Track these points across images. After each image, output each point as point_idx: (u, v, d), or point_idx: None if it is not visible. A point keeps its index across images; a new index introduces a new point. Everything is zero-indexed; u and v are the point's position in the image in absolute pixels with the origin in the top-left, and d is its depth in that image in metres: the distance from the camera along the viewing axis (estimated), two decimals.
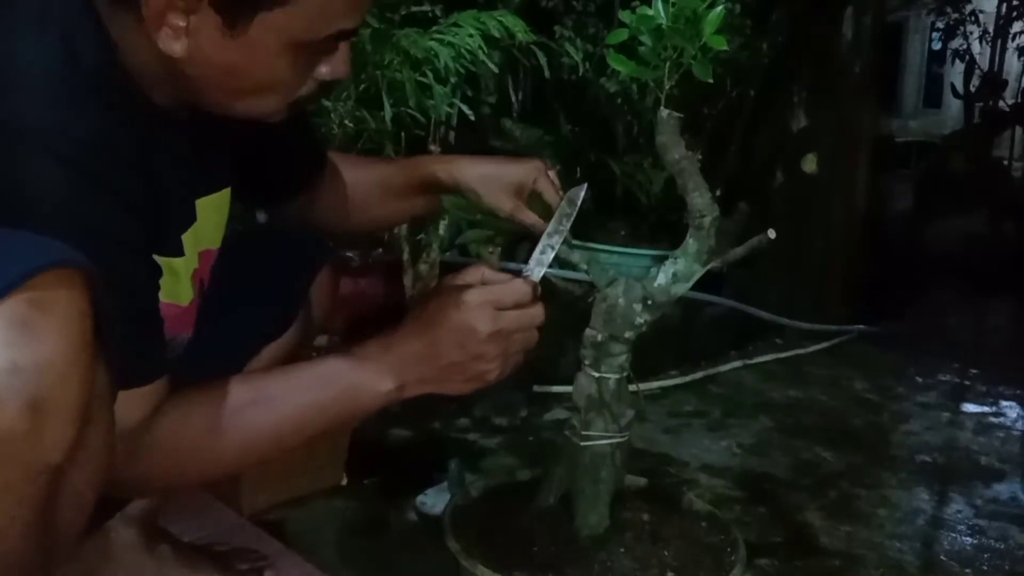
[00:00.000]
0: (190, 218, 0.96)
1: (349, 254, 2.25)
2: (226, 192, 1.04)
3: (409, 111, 2.03)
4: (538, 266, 1.00)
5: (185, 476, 0.94)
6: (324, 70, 0.88)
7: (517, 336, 0.92)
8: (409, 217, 1.24)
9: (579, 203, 1.11)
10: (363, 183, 1.22)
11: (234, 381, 0.91)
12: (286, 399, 0.90)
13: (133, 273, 0.82)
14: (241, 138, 1.04)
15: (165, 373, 0.87)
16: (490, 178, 1.15)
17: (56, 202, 0.75)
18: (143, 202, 0.82)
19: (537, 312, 0.94)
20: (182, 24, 0.78)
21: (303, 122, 1.20)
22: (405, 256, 2.43)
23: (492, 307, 0.90)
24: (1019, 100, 6.74)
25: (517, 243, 2.31)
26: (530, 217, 1.15)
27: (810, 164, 3.15)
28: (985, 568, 1.54)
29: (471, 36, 2.04)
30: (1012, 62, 6.96)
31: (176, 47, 0.80)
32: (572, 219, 1.10)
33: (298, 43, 0.82)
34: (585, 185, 1.14)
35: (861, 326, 3.08)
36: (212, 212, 1.01)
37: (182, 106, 0.90)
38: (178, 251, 0.94)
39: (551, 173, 1.19)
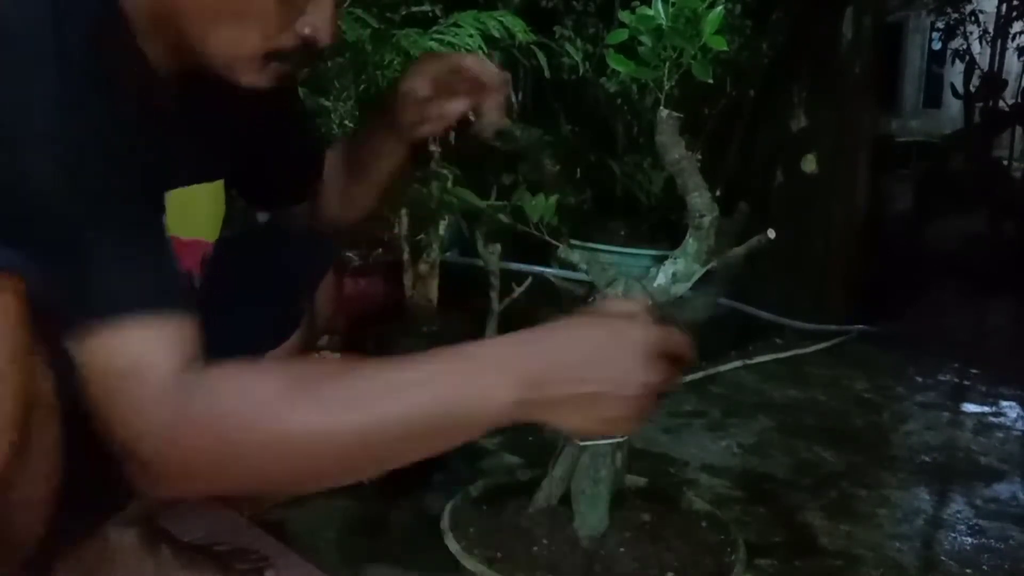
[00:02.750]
0: (167, 182, 0.93)
1: (349, 254, 2.25)
2: (220, 184, 1.03)
3: None
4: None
5: (241, 466, 0.71)
6: (307, 28, 0.85)
7: (657, 398, 0.77)
8: (394, 173, 1.18)
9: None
10: (340, 160, 1.19)
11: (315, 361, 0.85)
12: (392, 395, 0.71)
13: (122, 183, 0.75)
14: (244, 132, 1.03)
15: (188, 309, 0.73)
16: (421, 67, 1.08)
17: (49, 104, 0.72)
18: (133, 131, 0.79)
19: (679, 380, 0.79)
20: None
21: (307, 124, 1.19)
22: (405, 256, 2.43)
23: (658, 353, 0.76)
24: (1019, 100, 6.72)
25: (519, 242, 2.31)
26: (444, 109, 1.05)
27: (810, 164, 3.15)
28: (985, 568, 1.54)
29: (471, 36, 2.04)
30: (1012, 62, 6.94)
31: None
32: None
33: None
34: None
35: (861, 326, 3.08)
36: (207, 201, 1.00)
37: (175, 70, 0.88)
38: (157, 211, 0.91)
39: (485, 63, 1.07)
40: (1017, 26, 6.66)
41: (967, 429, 2.23)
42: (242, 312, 1.07)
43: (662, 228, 3.07)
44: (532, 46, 2.38)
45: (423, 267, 2.47)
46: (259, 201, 1.24)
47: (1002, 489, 1.87)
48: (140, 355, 0.67)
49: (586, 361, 0.73)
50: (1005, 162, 6.59)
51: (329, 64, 2.00)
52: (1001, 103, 6.45)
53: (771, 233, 1.23)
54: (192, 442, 0.67)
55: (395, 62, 1.97)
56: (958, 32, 6.87)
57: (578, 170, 3.23)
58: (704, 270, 1.23)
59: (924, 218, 5.46)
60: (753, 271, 3.01)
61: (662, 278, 1.23)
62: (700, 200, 1.19)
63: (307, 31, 0.85)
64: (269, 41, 0.85)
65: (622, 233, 3.02)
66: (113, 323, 0.68)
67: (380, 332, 2.36)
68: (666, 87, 1.15)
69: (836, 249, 3.22)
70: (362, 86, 2.03)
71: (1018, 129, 6.59)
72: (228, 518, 1.47)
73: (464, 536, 1.29)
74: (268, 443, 0.69)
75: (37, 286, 0.68)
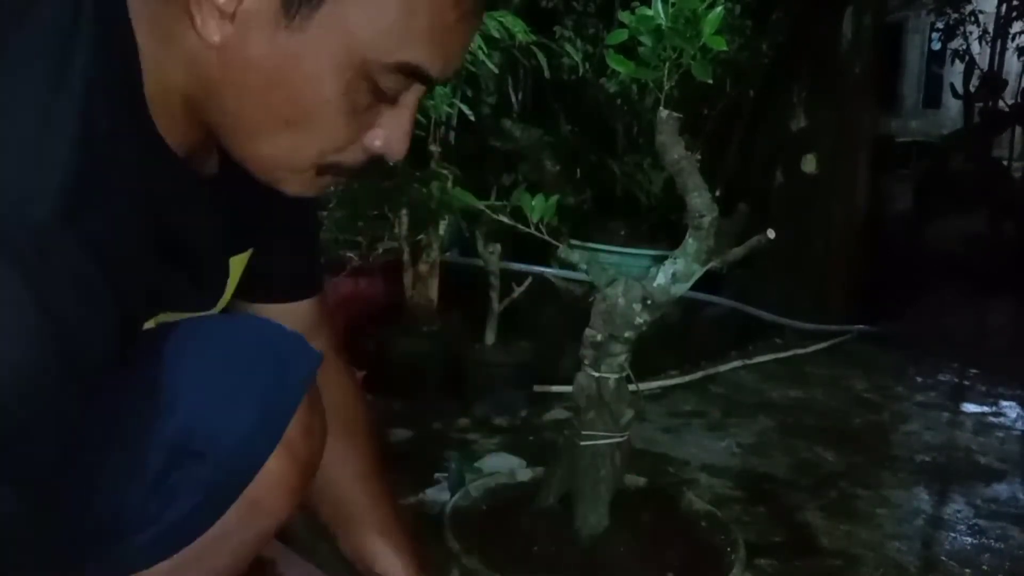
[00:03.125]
0: (223, 274, 0.84)
1: (349, 254, 2.25)
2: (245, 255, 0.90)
3: None
4: None
5: None
6: (378, 142, 0.72)
7: None
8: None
9: None
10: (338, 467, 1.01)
11: None
12: None
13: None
14: (253, 223, 0.88)
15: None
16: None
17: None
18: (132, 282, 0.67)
19: None
20: (230, 4, 0.65)
21: (312, 228, 1.02)
22: (405, 256, 2.43)
23: None
24: (1019, 100, 6.72)
25: (519, 242, 2.31)
26: None
27: (810, 164, 3.16)
28: (985, 568, 1.54)
29: None
30: (1012, 62, 6.94)
31: (216, 31, 0.65)
32: None
33: (361, 61, 0.67)
34: None
35: (861, 326, 3.08)
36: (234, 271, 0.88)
37: (202, 158, 0.77)
38: (209, 304, 0.82)
39: None
40: (1017, 26, 6.66)
41: (967, 429, 2.23)
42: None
43: (662, 228, 3.08)
44: (532, 46, 2.38)
45: (423, 267, 2.47)
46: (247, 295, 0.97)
47: (1002, 489, 1.87)
48: None
49: None
50: (1005, 162, 6.59)
51: None
52: (1001, 103, 6.45)
53: (771, 233, 1.23)
54: None
55: None
56: (958, 32, 6.86)
57: (578, 170, 3.24)
58: (704, 270, 1.23)
59: (924, 218, 5.46)
60: (753, 271, 3.01)
61: (662, 278, 1.23)
62: (700, 200, 1.19)
63: (377, 145, 0.72)
64: (328, 155, 0.71)
65: (622, 233, 3.02)
66: None
67: (380, 332, 2.36)
68: (666, 87, 1.15)
69: (836, 249, 3.23)
70: None
71: (1018, 129, 6.59)
72: None
73: (464, 536, 1.29)
74: None
75: None
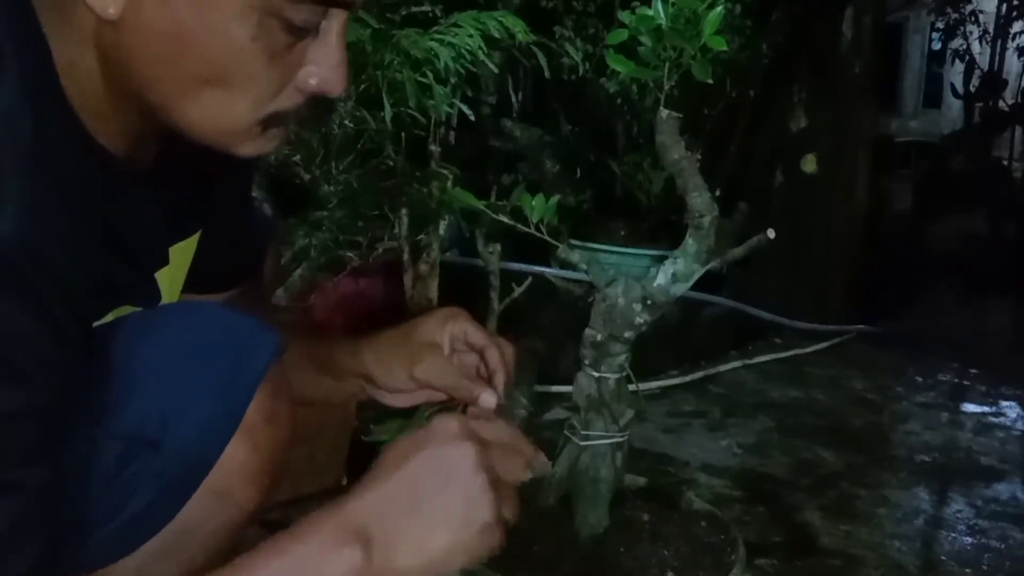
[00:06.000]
0: (163, 262, 0.82)
1: (349, 254, 2.24)
2: (195, 238, 0.87)
3: (409, 111, 2.02)
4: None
5: None
6: (312, 80, 0.68)
7: (507, 480, 0.74)
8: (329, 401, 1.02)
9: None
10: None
11: None
12: None
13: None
14: (201, 199, 0.86)
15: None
16: (384, 356, 0.96)
17: None
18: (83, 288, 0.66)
19: (519, 462, 0.77)
20: None
21: (252, 205, 1.00)
22: (405, 256, 2.43)
23: (477, 438, 0.73)
24: (1019, 100, 6.73)
25: (519, 242, 2.31)
26: (428, 395, 0.95)
27: (810, 164, 3.16)
28: (985, 568, 1.54)
29: (471, 36, 2.03)
30: (1012, 62, 6.95)
31: (110, 3, 0.62)
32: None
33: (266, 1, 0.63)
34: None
35: (861, 326, 3.08)
36: (182, 258, 0.86)
37: (136, 145, 0.74)
38: (155, 297, 0.79)
39: (463, 320, 0.97)
40: (1017, 26, 6.67)
41: (967, 429, 2.23)
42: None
43: (662, 228, 3.08)
44: (532, 46, 2.38)
45: (423, 267, 2.46)
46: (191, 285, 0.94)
47: (1002, 489, 1.87)
48: None
49: (409, 474, 0.71)
50: (1005, 162, 6.59)
51: None
52: (1001, 103, 6.46)
53: (771, 233, 1.23)
54: None
55: (395, 62, 1.97)
56: (958, 32, 6.87)
57: (578, 170, 3.23)
58: (704, 270, 1.23)
59: (924, 218, 5.47)
60: (753, 271, 3.01)
61: (662, 278, 1.23)
62: (700, 200, 1.19)
63: (312, 83, 0.69)
64: (264, 106, 0.68)
65: (622, 233, 3.02)
66: None
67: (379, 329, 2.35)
68: (666, 87, 1.15)
69: (836, 249, 3.23)
70: (362, 86, 2.03)
71: (1018, 129, 6.60)
72: None
73: None
74: None
75: None
